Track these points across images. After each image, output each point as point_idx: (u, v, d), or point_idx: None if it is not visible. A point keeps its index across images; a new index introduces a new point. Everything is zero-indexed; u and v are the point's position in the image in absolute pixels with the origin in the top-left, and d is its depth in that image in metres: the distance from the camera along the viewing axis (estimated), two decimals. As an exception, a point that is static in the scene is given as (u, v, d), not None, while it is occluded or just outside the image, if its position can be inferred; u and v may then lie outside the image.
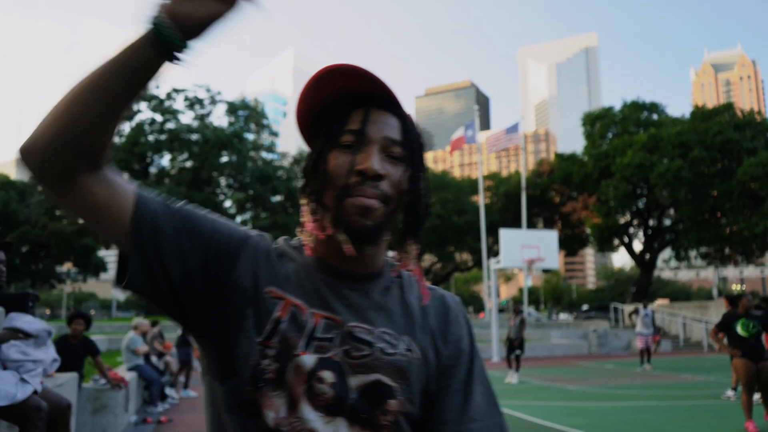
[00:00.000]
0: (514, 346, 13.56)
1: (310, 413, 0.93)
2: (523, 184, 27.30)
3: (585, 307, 54.28)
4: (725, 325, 7.85)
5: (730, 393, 10.10)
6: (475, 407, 1.04)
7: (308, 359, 0.95)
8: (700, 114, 35.28)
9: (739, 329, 7.63)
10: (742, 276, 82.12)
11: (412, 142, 1.02)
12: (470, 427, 1.02)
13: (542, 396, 11.17)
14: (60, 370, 6.06)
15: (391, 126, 1.00)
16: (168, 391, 11.21)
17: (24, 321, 3.88)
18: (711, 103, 39.17)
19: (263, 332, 0.95)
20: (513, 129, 24.19)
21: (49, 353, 3.90)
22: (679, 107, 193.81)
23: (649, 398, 10.56)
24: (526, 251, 19.41)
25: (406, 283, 1.11)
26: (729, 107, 35.62)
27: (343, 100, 1.01)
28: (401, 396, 0.98)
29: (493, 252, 32.77)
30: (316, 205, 1.01)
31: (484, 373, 1.10)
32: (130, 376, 8.49)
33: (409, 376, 0.99)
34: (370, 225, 0.96)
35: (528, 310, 39.08)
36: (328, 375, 0.95)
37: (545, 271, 47.30)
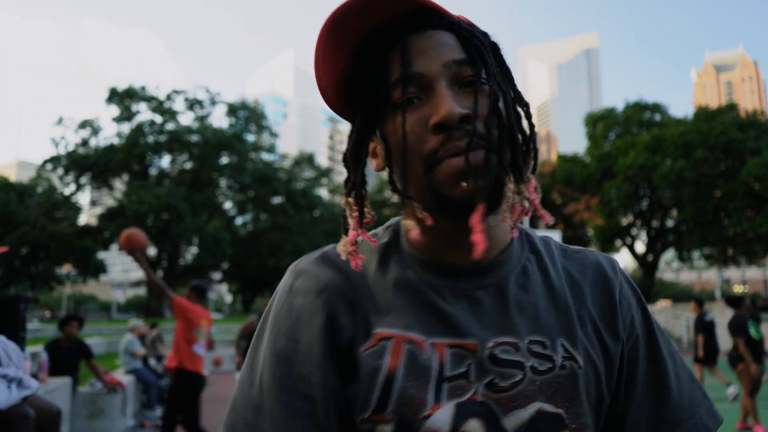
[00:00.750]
0: None
1: None
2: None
3: None
4: (744, 329, 7.60)
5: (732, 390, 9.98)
6: (673, 400, 0.79)
7: (443, 416, 0.69)
8: (703, 114, 35.17)
9: (753, 332, 7.45)
10: (744, 277, 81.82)
11: (481, 51, 0.72)
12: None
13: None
14: (53, 374, 5.91)
15: (447, 45, 0.72)
16: None
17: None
18: (712, 104, 38.95)
19: (369, 404, 0.70)
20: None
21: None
22: (680, 108, 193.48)
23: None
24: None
25: (544, 253, 0.82)
26: (732, 107, 35.51)
27: (372, 45, 0.74)
28: (573, 423, 0.72)
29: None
30: (402, 196, 0.75)
31: (672, 349, 0.83)
32: (127, 380, 8.34)
33: (577, 395, 0.73)
34: (482, 184, 0.68)
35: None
36: (474, 426, 0.69)
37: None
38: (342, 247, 0.76)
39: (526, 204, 0.75)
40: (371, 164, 0.80)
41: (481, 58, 0.72)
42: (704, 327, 10.54)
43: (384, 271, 0.77)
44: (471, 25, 0.76)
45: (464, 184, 0.68)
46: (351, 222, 0.76)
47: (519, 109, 0.75)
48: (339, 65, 0.74)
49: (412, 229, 0.78)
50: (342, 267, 0.77)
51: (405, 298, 0.74)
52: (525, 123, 0.76)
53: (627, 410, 0.79)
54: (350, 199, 0.77)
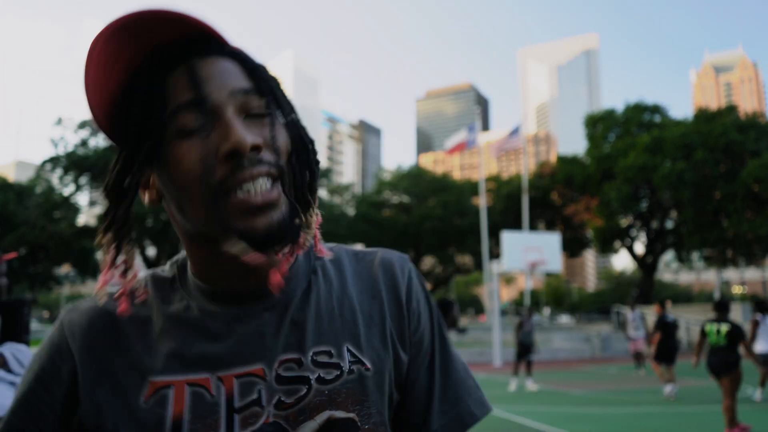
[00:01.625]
0: (530, 351, 13.06)
1: None
2: (525, 186, 27.17)
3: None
4: (702, 330, 7.94)
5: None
6: (443, 391, 0.83)
7: None
8: (703, 116, 35.19)
9: (710, 335, 7.69)
10: (743, 278, 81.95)
11: (269, 82, 0.72)
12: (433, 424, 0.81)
13: (547, 401, 11.00)
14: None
15: (232, 73, 0.70)
16: None
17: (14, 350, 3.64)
18: (712, 105, 38.91)
19: None
20: (515, 132, 24.10)
21: None
22: (679, 109, 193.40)
23: (657, 403, 10.39)
24: (529, 254, 19.27)
25: (328, 263, 0.82)
26: (732, 109, 35.52)
27: (149, 67, 0.69)
28: (366, 424, 0.74)
29: (495, 254, 32.62)
30: (183, 230, 0.73)
31: (448, 349, 0.86)
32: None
33: (367, 396, 0.75)
34: (276, 219, 0.67)
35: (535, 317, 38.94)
36: None
37: (548, 274, 47.31)
38: (99, 292, 0.74)
39: (309, 240, 0.75)
40: (142, 197, 0.76)
41: (269, 88, 0.72)
42: (663, 327, 11.41)
43: (164, 310, 0.76)
44: (248, 56, 0.74)
45: (253, 219, 0.66)
46: (104, 264, 0.72)
47: (307, 143, 0.74)
48: (111, 82, 0.69)
49: (194, 260, 0.76)
50: (111, 312, 0.75)
51: (187, 335, 0.73)
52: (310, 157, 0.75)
53: (409, 405, 0.82)
54: (107, 238, 0.72)
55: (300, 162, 0.73)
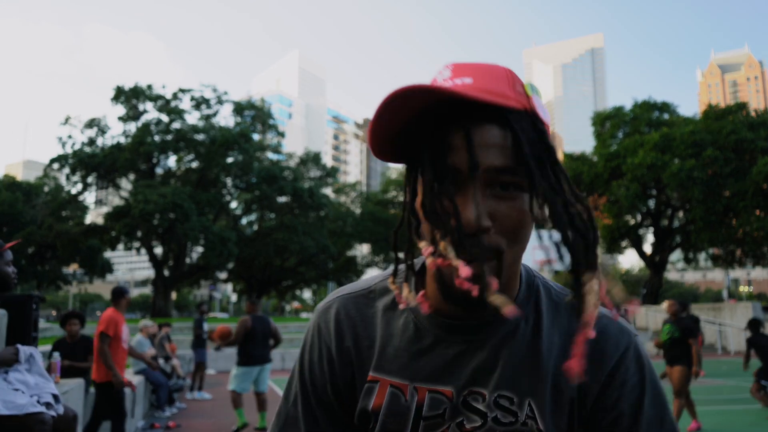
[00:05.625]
0: None
1: None
2: (533, 184, 27.00)
3: None
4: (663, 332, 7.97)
5: None
6: None
7: None
8: (712, 113, 34.91)
9: (662, 334, 7.75)
10: (749, 277, 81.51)
11: (531, 156, 0.72)
12: None
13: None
14: (66, 374, 5.81)
15: (496, 148, 0.72)
16: (198, 394, 11.35)
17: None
18: (717, 103, 38.62)
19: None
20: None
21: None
22: (685, 108, 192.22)
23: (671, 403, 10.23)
24: (537, 252, 19.14)
25: (545, 314, 0.84)
26: (742, 106, 35.22)
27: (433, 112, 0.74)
28: None
29: (502, 253, 32.44)
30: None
31: (664, 416, 0.83)
32: (137, 380, 8.23)
33: None
34: (477, 298, 0.70)
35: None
36: None
37: (556, 272, 47.18)
38: (407, 294, 0.83)
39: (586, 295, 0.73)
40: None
41: (530, 159, 0.72)
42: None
43: (392, 316, 0.87)
44: (531, 116, 0.74)
45: (460, 290, 0.71)
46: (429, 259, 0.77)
47: (571, 208, 0.73)
48: (396, 123, 0.74)
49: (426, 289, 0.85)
50: (360, 306, 0.90)
51: (404, 344, 0.84)
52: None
53: None
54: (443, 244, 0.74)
55: (564, 230, 0.72)
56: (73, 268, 45.77)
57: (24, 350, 3.41)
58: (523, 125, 0.73)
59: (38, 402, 3.16)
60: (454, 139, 0.73)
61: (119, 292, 6.12)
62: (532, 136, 0.73)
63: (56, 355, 5.02)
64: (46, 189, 44.18)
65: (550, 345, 0.82)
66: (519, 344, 0.82)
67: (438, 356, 0.82)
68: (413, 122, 0.75)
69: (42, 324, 30.67)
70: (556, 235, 0.72)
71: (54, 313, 75.82)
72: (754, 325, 8.81)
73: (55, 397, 3.34)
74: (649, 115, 36.44)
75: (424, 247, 0.77)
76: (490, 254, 0.72)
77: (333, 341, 0.88)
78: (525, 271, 0.87)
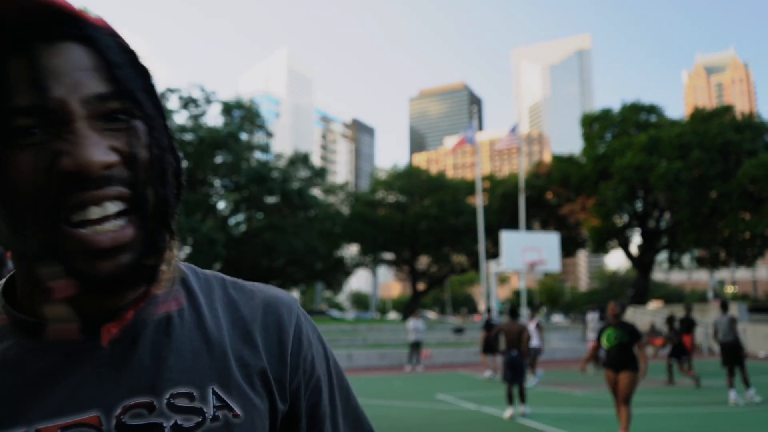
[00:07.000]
0: (539, 352, 14.30)
1: None
2: (522, 185, 27.13)
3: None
4: (598, 335, 7.54)
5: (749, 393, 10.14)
6: None
7: None
8: (699, 116, 35.27)
9: (603, 340, 7.29)
10: (734, 278, 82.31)
11: (126, 79, 0.58)
12: None
13: (549, 402, 10.91)
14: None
15: (87, 68, 0.57)
16: None
17: None
18: (703, 105, 39.08)
19: None
20: (513, 130, 24.13)
21: None
22: (671, 109, 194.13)
23: (661, 404, 10.31)
24: (528, 254, 19.20)
25: (198, 291, 0.69)
26: (728, 109, 35.64)
27: None
28: None
29: (491, 254, 32.56)
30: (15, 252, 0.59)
31: (346, 393, 0.77)
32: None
33: None
34: (125, 262, 0.56)
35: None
36: None
37: (546, 273, 47.47)
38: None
39: (170, 274, 0.64)
40: None
41: (133, 88, 0.59)
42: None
43: None
44: (114, 36, 0.61)
45: (93, 260, 0.55)
46: None
47: (174, 157, 0.63)
48: None
49: (20, 282, 0.63)
50: None
51: (9, 379, 0.59)
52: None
53: None
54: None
55: (163, 181, 0.60)
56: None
57: None
58: (108, 39, 0.59)
59: None
60: (29, 65, 0.55)
61: None
62: (123, 48, 0.60)
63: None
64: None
65: (215, 319, 0.67)
66: (181, 327, 0.64)
67: (65, 375, 0.59)
68: None
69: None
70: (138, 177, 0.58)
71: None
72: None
73: None
74: (637, 117, 36.75)
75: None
76: (128, 184, 0.57)
77: None
78: None
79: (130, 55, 0.61)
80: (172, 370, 0.61)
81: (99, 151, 0.54)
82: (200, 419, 0.60)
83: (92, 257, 0.55)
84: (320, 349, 0.74)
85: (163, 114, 0.63)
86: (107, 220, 0.55)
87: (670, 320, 15.94)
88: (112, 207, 0.55)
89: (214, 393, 0.62)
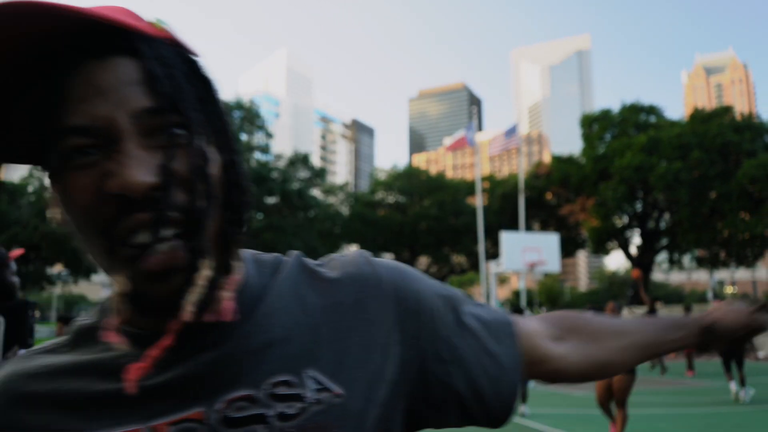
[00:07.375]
0: None
1: None
2: (521, 186, 27.15)
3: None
4: None
5: (742, 393, 10.15)
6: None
7: None
8: (699, 116, 35.32)
9: None
10: (733, 279, 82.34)
11: (175, 89, 0.56)
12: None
13: (549, 403, 10.93)
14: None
15: (134, 83, 0.55)
16: None
17: None
18: (702, 106, 39.29)
19: None
20: (511, 131, 24.11)
21: None
22: (671, 110, 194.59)
23: (661, 405, 10.33)
24: (528, 254, 19.23)
25: (285, 277, 0.67)
26: (728, 110, 35.68)
27: (36, 51, 0.55)
28: None
29: (491, 254, 32.59)
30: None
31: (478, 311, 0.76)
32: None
33: (342, 427, 0.61)
34: (177, 286, 0.55)
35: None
36: None
37: (546, 274, 47.59)
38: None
39: (227, 295, 0.60)
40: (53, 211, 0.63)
41: (184, 101, 0.56)
42: None
43: (75, 361, 0.63)
44: (176, 46, 0.60)
45: (145, 282, 0.55)
46: None
47: (236, 167, 0.61)
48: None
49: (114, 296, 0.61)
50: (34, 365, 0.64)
51: (104, 387, 0.60)
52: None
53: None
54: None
55: (222, 201, 0.59)
56: (57, 268, 45.36)
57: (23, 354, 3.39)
58: (165, 53, 0.57)
59: None
60: (87, 80, 0.55)
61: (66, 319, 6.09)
62: (180, 58, 0.59)
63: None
64: (30, 189, 43.73)
65: (302, 299, 0.66)
66: (272, 314, 0.64)
67: (164, 377, 0.60)
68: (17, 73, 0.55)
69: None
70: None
71: (37, 313, 75.07)
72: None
73: None
74: (637, 118, 36.78)
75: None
76: (180, 209, 0.55)
77: None
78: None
79: (189, 66, 0.59)
80: (266, 360, 0.61)
81: (141, 171, 0.53)
82: (302, 405, 0.60)
83: (147, 279, 0.54)
84: (416, 281, 0.74)
85: (224, 127, 0.61)
86: (159, 242, 0.54)
87: None
88: (165, 231, 0.54)
89: (312, 377, 0.61)
